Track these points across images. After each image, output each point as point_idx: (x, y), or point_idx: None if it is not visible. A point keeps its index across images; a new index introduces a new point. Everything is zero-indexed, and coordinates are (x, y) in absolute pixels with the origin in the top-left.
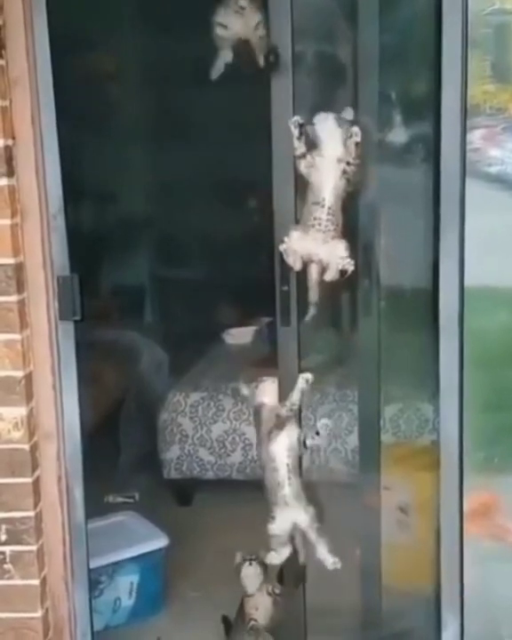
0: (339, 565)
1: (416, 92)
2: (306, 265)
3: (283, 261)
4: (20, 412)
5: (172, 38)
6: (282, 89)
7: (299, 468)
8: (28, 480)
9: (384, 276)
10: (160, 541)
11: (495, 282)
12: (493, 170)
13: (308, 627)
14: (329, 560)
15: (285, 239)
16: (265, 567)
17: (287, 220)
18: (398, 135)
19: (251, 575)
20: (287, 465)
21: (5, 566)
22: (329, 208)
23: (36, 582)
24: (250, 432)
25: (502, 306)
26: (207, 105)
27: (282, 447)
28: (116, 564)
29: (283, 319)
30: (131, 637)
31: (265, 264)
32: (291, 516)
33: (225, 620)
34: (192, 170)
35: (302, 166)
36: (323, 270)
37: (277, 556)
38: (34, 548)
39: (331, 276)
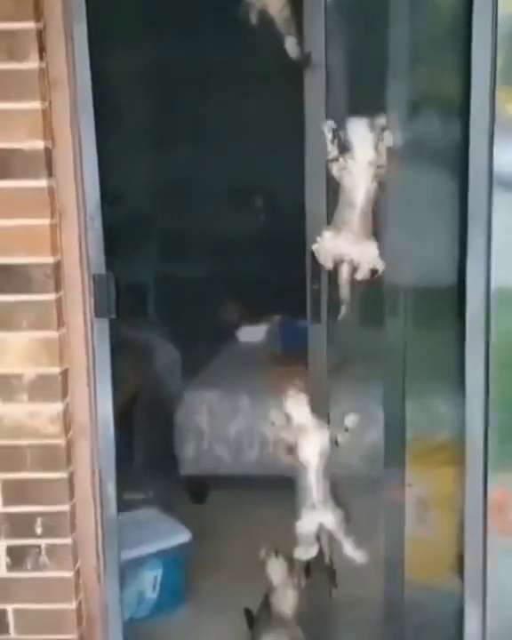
0: (365, 559)
1: (444, 94)
2: (337, 265)
3: (314, 260)
4: (57, 408)
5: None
6: (315, 91)
7: (327, 470)
8: (64, 475)
9: (410, 275)
10: (183, 536)
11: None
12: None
13: (333, 619)
14: (356, 556)
15: (318, 239)
16: (290, 561)
17: (319, 220)
18: (425, 137)
19: (277, 568)
20: (316, 470)
21: (41, 559)
22: (360, 209)
23: (70, 574)
24: (266, 429)
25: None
26: (221, 104)
27: (313, 453)
28: (140, 558)
29: (313, 317)
30: (155, 630)
31: (280, 263)
32: (317, 517)
33: (247, 613)
34: (205, 169)
35: (335, 169)
36: (353, 270)
37: (305, 553)
38: (69, 541)
39: (362, 274)
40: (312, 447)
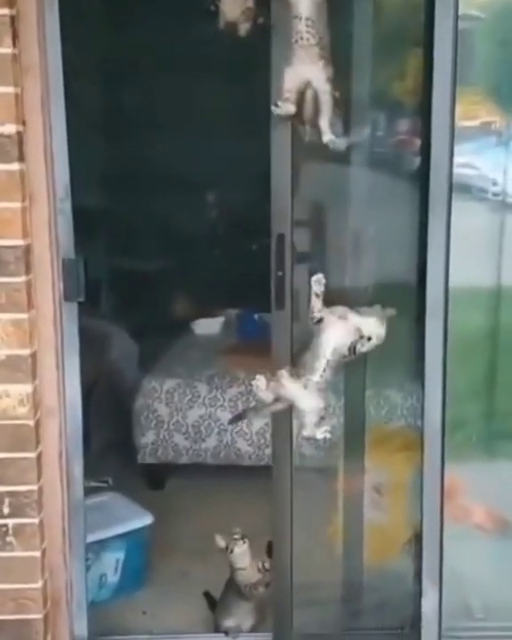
0: (329, 435)
1: (404, 94)
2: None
3: (278, 247)
4: (26, 389)
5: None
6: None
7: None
8: (32, 455)
9: (372, 269)
10: (145, 520)
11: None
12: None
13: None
14: (318, 433)
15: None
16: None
17: (284, 210)
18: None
19: (242, 553)
20: (328, 361)
21: (8, 539)
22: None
23: (37, 554)
24: (224, 418)
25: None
26: (179, 95)
27: (332, 344)
28: (102, 541)
29: (277, 303)
30: (116, 612)
31: (239, 254)
32: (303, 398)
33: (207, 595)
34: (163, 160)
35: None
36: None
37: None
38: (36, 520)
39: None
40: (336, 339)
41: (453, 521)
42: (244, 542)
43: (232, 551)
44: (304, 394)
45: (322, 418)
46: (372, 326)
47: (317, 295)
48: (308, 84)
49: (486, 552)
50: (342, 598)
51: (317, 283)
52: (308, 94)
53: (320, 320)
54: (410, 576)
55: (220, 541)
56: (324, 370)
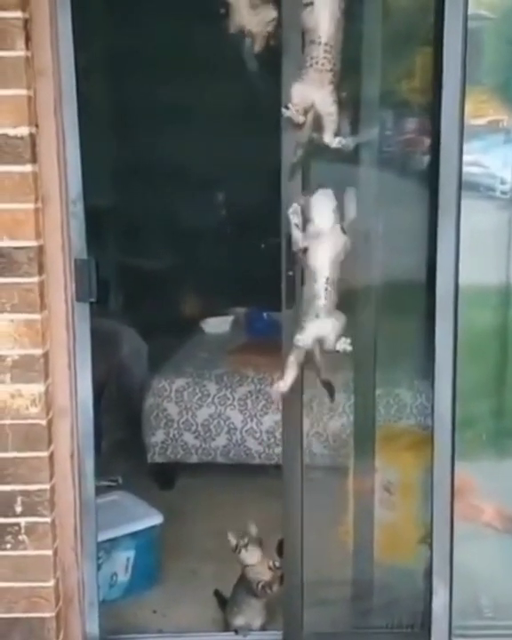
0: (349, 348)
1: (414, 94)
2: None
3: (289, 247)
4: (39, 388)
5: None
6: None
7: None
8: (44, 454)
9: (381, 267)
10: (155, 519)
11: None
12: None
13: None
14: (344, 346)
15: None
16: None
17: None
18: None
19: (249, 554)
20: (326, 277)
21: (20, 537)
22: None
23: (49, 553)
24: (234, 416)
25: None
26: (189, 96)
27: (324, 259)
28: (113, 540)
29: (288, 302)
30: (127, 611)
31: (249, 254)
32: (319, 326)
33: (217, 594)
34: (165, 159)
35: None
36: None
37: (283, 384)
38: (48, 519)
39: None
40: (324, 252)
41: (463, 519)
42: (253, 546)
43: (240, 552)
44: (319, 323)
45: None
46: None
47: (297, 225)
48: (312, 106)
49: (496, 550)
50: (352, 597)
51: (295, 213)
52: (310, 116)
53: (305, 250)
54: (420, 574)
55: (232, 539)
56: (326, 289)
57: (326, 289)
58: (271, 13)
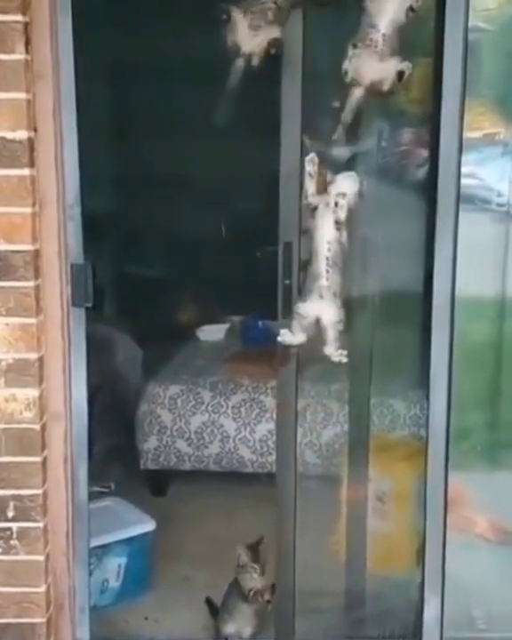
0: (345, 359)
1: (413, 106)
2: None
3: (285, 255)
4: (33, 393)
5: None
6: (291, 89)
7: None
8: (38, 459)
9: (379, 278)
10: (147, 525)
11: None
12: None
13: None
14: (335, 354)
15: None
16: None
17: (292, 218)
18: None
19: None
20: (327, 258)
21: (12, 542)
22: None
23: (40, 558)
24: (227, 424)
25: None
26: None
27: (323, 239)
28: (105, 546)
29: (284, 312)
30: (118, 617)
31: (242, 265)
32: (319, 307)
33: (208, 602)
34: (162, 166)
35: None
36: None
37: (292, 337)
38: (40, 524)
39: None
40: (323, 230)
41: (456, 531)
42: (257, 563)
43: (245, 573)
44: (322, 305)
45: (339, 332)
46: (348, 183)
47: (311, 176)
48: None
49: (489, 562)
50: (345, 606)
51: (311, 162)
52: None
53: (315, 208)
54: (412, 585)
55: (244, 557)
56: (328, 271)
57: (327, 271)
58: (273, 33)
